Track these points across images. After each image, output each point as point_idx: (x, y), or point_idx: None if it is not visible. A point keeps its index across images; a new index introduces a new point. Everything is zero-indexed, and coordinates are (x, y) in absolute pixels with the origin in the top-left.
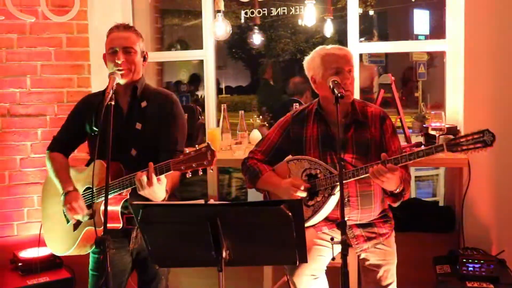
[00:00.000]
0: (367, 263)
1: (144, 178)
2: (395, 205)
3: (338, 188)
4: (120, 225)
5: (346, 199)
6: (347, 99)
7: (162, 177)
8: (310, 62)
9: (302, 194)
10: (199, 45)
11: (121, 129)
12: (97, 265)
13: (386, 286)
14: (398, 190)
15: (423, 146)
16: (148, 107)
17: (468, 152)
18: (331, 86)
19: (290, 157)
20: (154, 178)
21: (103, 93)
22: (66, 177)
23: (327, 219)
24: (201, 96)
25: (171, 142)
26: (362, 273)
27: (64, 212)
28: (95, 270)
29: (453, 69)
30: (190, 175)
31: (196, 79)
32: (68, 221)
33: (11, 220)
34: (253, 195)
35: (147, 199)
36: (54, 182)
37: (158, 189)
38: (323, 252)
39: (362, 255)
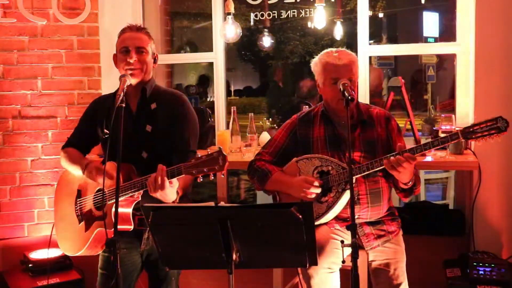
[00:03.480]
0: (377, 263)
1: (158, 181)
2: (407, 200)
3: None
4: (131, 227)
5: (356, 197)
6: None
7: (174, 180)
8: (314, 66)
9: (316, 190)
10: (208, 48)
11: (131, 131)
12: (107, 265)
13: (398, 285)
14: (410, 183)
15: (433, 149)
16: (158, 109)
17: (483, 139)
18: (341, 89)
19: (298, 156)
20: (166, 181)
21: (113, 95)
22: (81, 158)
23: (337, 218)
24: (210, 97)
25: (183, 142)
26: (372, 276)
27: (76, 212)
28: (104, 269)
29: (464, 72)
30: (201, 180)
31: (205, 80)
32: (80, 222)
33: (22, 221)
34: (262, 198)
35: (160, 201)
36: (67, 181)
37: (169, 192)
38: (339, 246)
39: (371, 256)
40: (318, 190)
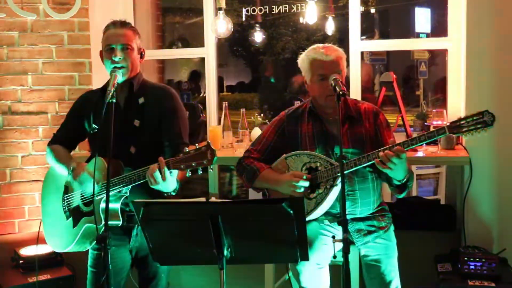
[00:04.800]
0: (368, 258)
1: (158, 174)
2: (401, 196)
3: (339, 179)
4: (119, 223)
5: (346, 194)
6: (333, 102)
7: (173, 170)
8: (301, 63)
9: (304, 183)
10: (200, 43)
11: (119, 126)
12: (96, 262)
13: (390, 281)
14: (404, 179)
15: (424, 145)
16: (146, 104)
17: (470, 133)
18: (333, 84)
19: (287, 153)
20: (167, 171)
21: (101, 90)
22: (69, 159)
23: (327, 214)
24: (203, 93)
25: (175, 135)
26: (364, 270)
27: (63, 209)
28: (94, 267)
29: (455, 67)
30: (190, 174)
31: (197, 76)
32: (67, 218)
33: (12, 217)
34: (255, 193)
35: (148, 197)
36: (53, 177)
37: (170, 181)
38: (328, 241)
39: (363, 251)
40: (306, 184)
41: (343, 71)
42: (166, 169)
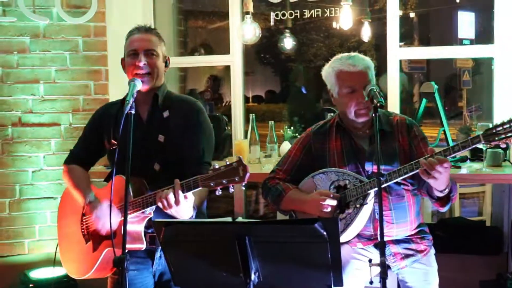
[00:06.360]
0: (406, 285)
1: (171, 197)
2: (444, 209)
3: (370, 197)
4: (143, 246)
5: (377, 214)
6: (364, 117)
7: (190, 194)
8: (326, 75)
9: (331, 202)
10: (225, 50)
11: (142, 141)
12: None
13: None
14: (446, 190)
15: (468, 161)
16: (171, 117)
17: (507, 140)
18: (370, 95)
19: (315, 172)
20: (181, 196)
21: (121, 102)
22: (86, 188)
23: (360, 236)
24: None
25: (197, 153)
26: None
27: (82, 231)
28: None
29: (502, 77)
30: (220, 193)
31: (217, 82)
32: (87, 241)
33: (22, 237)
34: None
35: (172, 216)
36: (71, 197)
37: (185, 207)
38: (361, 266)
39: (401, 276)
40: (334, 202)
41: (372, 81)
42: (180, 192)
